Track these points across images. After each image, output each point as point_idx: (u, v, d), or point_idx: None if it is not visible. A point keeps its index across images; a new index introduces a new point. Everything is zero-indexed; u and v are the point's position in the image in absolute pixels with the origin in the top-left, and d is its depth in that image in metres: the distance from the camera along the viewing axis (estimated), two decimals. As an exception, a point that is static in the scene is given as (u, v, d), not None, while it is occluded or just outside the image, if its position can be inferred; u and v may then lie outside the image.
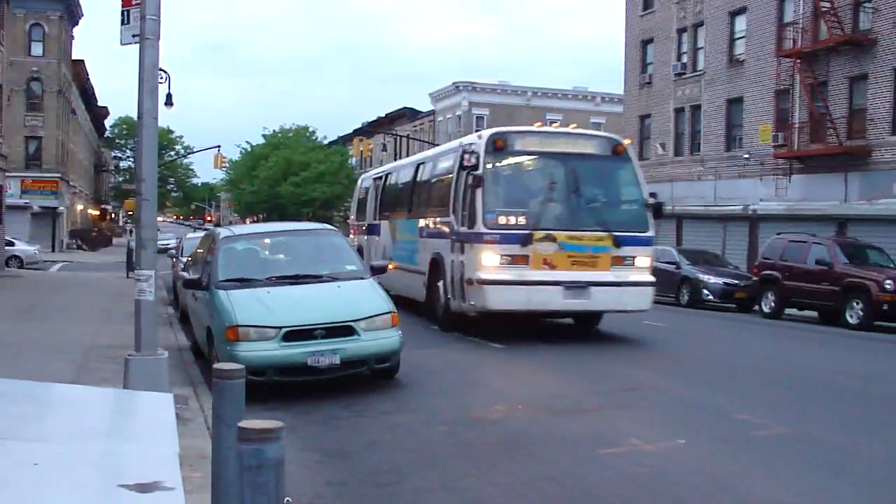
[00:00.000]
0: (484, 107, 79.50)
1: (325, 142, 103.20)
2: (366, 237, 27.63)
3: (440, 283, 18.61)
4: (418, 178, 22.56)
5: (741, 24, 43.01)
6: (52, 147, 67.86)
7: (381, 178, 27.67)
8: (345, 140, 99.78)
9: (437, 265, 18.92)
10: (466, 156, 16.97)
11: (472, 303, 16.88)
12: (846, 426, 10.40)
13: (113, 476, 3.75)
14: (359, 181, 32.66)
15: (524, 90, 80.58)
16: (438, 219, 19.37)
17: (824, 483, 8.03)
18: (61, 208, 70.33)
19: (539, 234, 16.59)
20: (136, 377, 9.31)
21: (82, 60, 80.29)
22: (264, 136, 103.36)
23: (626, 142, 18.77)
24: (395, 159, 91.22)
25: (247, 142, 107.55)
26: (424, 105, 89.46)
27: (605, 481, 7.92)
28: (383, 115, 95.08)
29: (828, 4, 36.41)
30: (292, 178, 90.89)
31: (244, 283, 12.59)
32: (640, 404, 11.33)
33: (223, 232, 15.09)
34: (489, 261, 16.54)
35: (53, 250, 65.25)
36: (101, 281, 34.36)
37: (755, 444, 9.28)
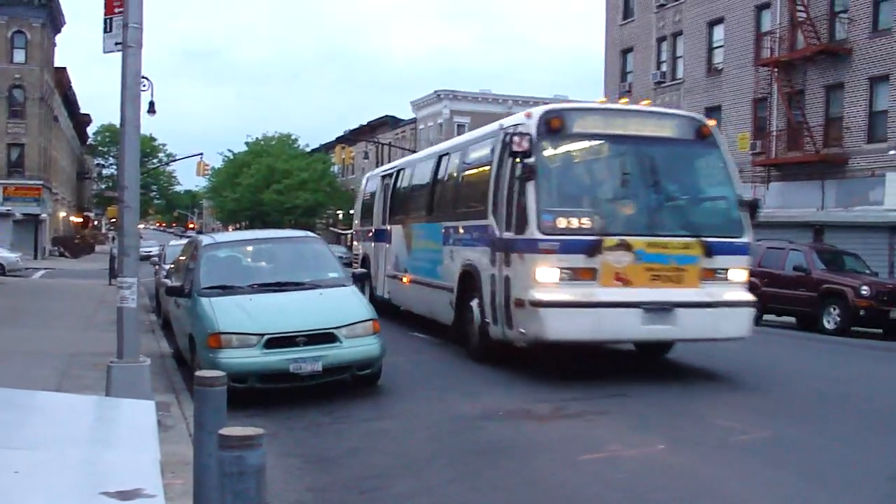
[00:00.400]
0: (465, 115, 79.63)
1: (308, 149, 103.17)
2: (372, 245, 23.90)
3: (474, 303, 15.02)
4: (441, 173, 18.65)
5: (719, 33, 43.38)
6: (34, 154, 67.62)
7: (391, 175, 23.13)
8: (327, 148, 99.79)
9: (469, 280, 15.31)
10: (516, 139, 13.03)
11: (523, 330, 13.18)
12: (826, 431, 10.47)
13: (94, 484, 3.78)
14: (363, 181, 28.23)
15: (505, 98, 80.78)
16: (471, 222, 15.59)
17: (801, 487, 8.10)
18: (44, 215, 70.04)
19: (610, 240, 12.91)
20: (118, 384, 9.34)
21: (64, 68, 80.00)
22: (247, 143, 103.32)
23: (711, 123, 14.88)
24: (377, 167, 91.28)
25: (229, 149, 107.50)
26: (406, 113, 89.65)
27: (586, 487, 7.97)
28: (365, 122, 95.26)
29: (804, 14, 36.81)
30: (275, 186, 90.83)
31: (226, 290, 12.63)
32: (620, 410, 11.38)
33: (205, 239, 15.11)
34: (546, 276, 12.82)
35: (36, 257, 64.95)
36: (84, 288, 34.22)
37: (734, 448, 9.37)
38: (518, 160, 13.26)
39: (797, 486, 8.14)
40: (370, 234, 24.38)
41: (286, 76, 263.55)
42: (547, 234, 12.83)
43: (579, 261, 12.76)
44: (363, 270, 17.01)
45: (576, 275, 12.76)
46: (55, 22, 71.98)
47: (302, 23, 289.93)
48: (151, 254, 45.42)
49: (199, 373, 6.31)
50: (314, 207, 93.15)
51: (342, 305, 12.46)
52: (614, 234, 12.95)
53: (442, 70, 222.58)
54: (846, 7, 35.96)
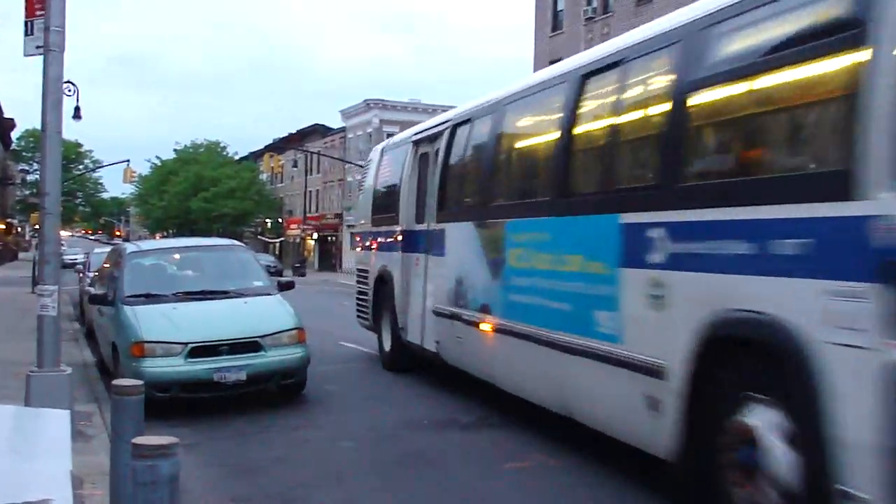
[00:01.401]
0: (395, 124, 79.46)
1: (237, 157, 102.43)
2: (398, 256, 14.90)
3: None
4: (589, 116, 9.45)
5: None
6: (-46, 160, 66.21)
7: (442, 136, 13.72)
8: (256, 156, 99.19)
9: (727, 353, 6.53)
10: None
11: None
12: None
13: (2, 494, 3.71)
14: (372, 155, 18.36)
15: (435, 108, 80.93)
16: (762, 209, 6.21)
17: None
18: (-37, 222, 68.60)
19: None
20: (37, 394, 9.17)
21: (-14, 71, 78.54)
22: (176, 150, 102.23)
23: None
24: (307, 176, 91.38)
25: (157, 156, 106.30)
26: (336, 122, 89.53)
27: (510, 495, 8.02)
28: (295, 131, 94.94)
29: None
30: (203, 194, 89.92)
31: (150, 298, 12.50)
32: (546, 419, 11.43)
33: (130, 247, 14.97)
34: None
35: (-45, 265, 63.58)
36: (6, 296, 33.58)
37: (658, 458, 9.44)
38: None
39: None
40: (394, 239, 15.25)
41: (217, 83, 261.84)
42: None
43: None
44: (290, 279, 16.23)
45: None
46: (-22, 25, 70.59)
47: (233, 30, 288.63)
48: (77, 261, 44.73)
49: (116, 382, 6.24)
50: (242, 216, 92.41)
51: (267, 314, 12.40)
52: None
53: (373, 80, 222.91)
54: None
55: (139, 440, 4.02)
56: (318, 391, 12.95)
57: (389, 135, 78.86)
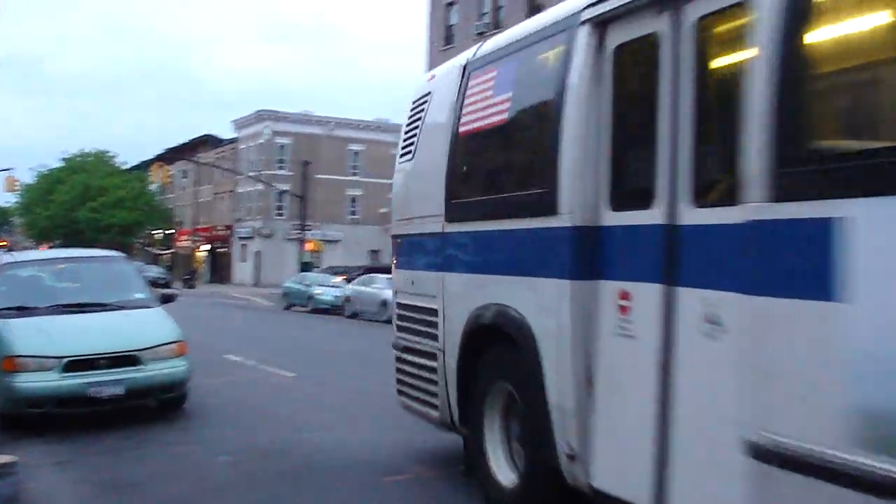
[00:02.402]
0: (287, 135, 79.47)
1: (126, 167, 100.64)
2: (559, 288, 6.37)
3: None
4: None
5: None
6: None
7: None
8: (147, 165, 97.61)
9: None
10: None
11: None
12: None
13: None
14: (433, 86, 9.38)
15: (327, 120, 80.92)
16: None
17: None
18: None
19: None
20: None
21: None
22: (64, 159, 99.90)
23: None
24: (198, 187, 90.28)
25: (42, 165, 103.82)
26: (228, 132, 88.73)
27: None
28: (186, 141, 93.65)
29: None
30: (90, 204, 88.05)
31: (25, 311, 12.15)
32: (427, 429, 11.48)
33: (5, 258, 14.59)
34: None
35: None
36: None
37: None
38: None
39: None
40: (538, 248, 6.78)
41: (107, 90, 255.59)
42: None
43: None
44: (174, 291, 15.93)
45: None
46: None
47: (124, 36, 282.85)
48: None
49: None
50: (131, 227, 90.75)
51: (146, 327, 12.20)
52: None
53: (266, 90, 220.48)
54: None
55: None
56: (199, 405, 12.77)
57: (281, 146, 79.51)
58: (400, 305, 9.60)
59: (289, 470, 9.44)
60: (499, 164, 7.96)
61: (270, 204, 79.34)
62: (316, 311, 41.43)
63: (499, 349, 7.26)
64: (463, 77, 8.33)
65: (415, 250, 9.18)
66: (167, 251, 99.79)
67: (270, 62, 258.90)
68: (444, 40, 51.94)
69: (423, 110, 9.24)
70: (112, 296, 13.15)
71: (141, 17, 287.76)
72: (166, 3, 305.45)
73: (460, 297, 7.94)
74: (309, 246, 65.79)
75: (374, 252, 79.52)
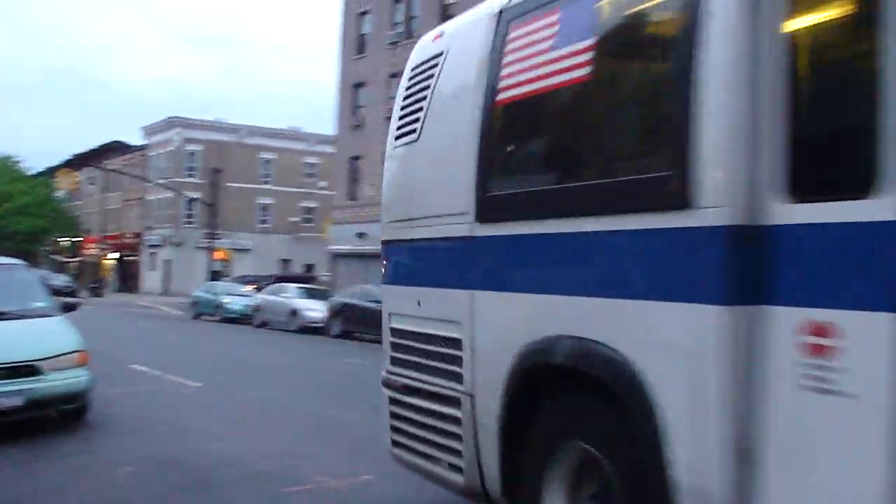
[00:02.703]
0: (198, 143, 78.84)
1: (31, 172, 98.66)
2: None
3: None
4: None
5: (450, 72, 44.81)
6: None
7: None
8: (53, 172, 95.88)
9: None
10: None
11: None
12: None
13: None
14: (442, 45, 7.06)
15: (238, 127, 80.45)
16: None
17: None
18: None
19: None
20: None
21: None
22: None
23: None
24: (106, 194, 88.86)
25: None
26: (138, 139, 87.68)
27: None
28: (94, 147, 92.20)
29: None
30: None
31: (-83, 320, 11.90)
32: (331, 440, 11.53)
33: None
34: None
35: None
36: None
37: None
38: None
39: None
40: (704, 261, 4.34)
41: (14, 93, 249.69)
42: None
43: None
44: (75, 301, 15.52)
45: None
46: None
47: (32, 38, 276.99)
48: None
49: None
50: (37, 234, 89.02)
51: (46, 336, 11.96)
52: None
53: (178, 97, 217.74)
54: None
55: None
56: (102, 416, 12.58)
57: (192, 153, 78.74)
58: (397, 332, 7.12)
59: (190, 481, 9.37)
60: (571, 140, 5.51)
61: (180, 212, 78.56)
62: (225, 320, 41.11)
63: (574, 399, 5.18)
64: (498, 28, 6.11)
65: (422, 260, 6.97)
66: (74, 259, 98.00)
67: (183, 69, 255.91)
68: (357, 49, 52.05)
69: (431, 76, 6.94)
70: (11, 304, 12.87)
71: (48, 21, 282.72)
72: (75, 6, 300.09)
73: (503, 323, 5.72)
74: (219, 254, 65.18)
75: (285, 261, 79.25)
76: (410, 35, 47.40)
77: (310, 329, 34.80)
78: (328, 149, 70.71)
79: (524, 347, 5.40)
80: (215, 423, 12.73)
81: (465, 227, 6.07)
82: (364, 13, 52.10)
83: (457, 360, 6.12)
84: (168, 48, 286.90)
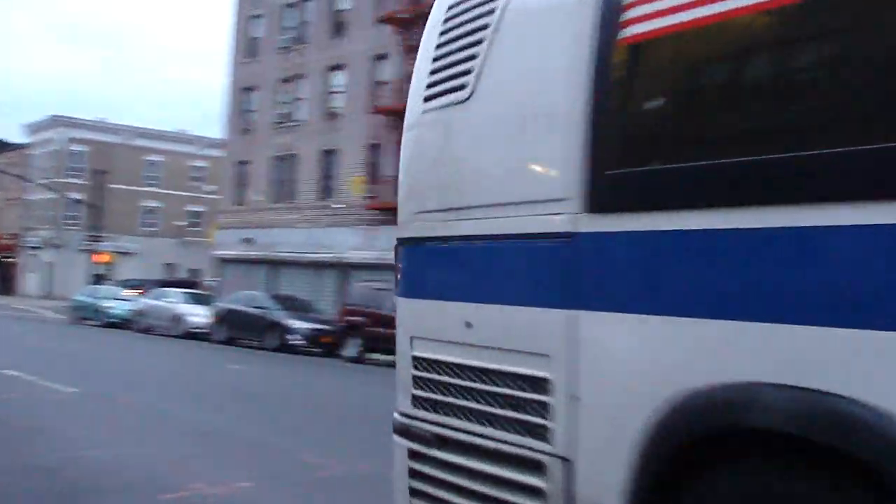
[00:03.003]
0: (83, 143, 77.27)
1: None
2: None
3: None
4: None
5: (339, 79, 44.89)
6: None
7: None
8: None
9: None
10: None
11: None
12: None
13: None
14: None
15: (125, 129, 79.16)
16: None
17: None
18: None
19: None
20: None
21: None
22: None
23: None
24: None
25: None
26: (19, 136, 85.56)
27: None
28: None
29: (419, 67, 38.58)
30: None
31: None
32: (210, 447, 11.47)
33: None
34: None
35: None
36: None
37: (319, 484, 9.70)
38: None
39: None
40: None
41: None
42: None
43: None
44: None
45: None
46: None
47: None
48: None
49: None
50: None
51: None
52: None
53: (63, 95, 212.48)
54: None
55: None
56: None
57: (76, 153, 77.06)
58: (424, 364, 4.70)
59: (60, 489, 9.19)
60: (769, 91, 3.18)
61: (62, 213, 76.81)
62: (107, 325, 40.40)
63: (786, 482, 2.94)
64: None
65: (477, 266, 4.56)
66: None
67: (67, 67, 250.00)
68: (248, 53, 51.68)
69: (489, 11, 4.43)
70: None
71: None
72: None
73: (635, 360, 3.54)
74: (102, 258, 63.89)
75: (171, 265, 78.09)
76: (302, 40, 47.31)
77: (194, 335, 34.45)
78: (216, 153, 69.97)
79: (680, 398, 3.27)
80: (90, 430, 12.52)
81: (562, 219, 3.88)
82: (256, 17, 51.72)
83: (541, 409, 3.93)
84: (51, 43, 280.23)
